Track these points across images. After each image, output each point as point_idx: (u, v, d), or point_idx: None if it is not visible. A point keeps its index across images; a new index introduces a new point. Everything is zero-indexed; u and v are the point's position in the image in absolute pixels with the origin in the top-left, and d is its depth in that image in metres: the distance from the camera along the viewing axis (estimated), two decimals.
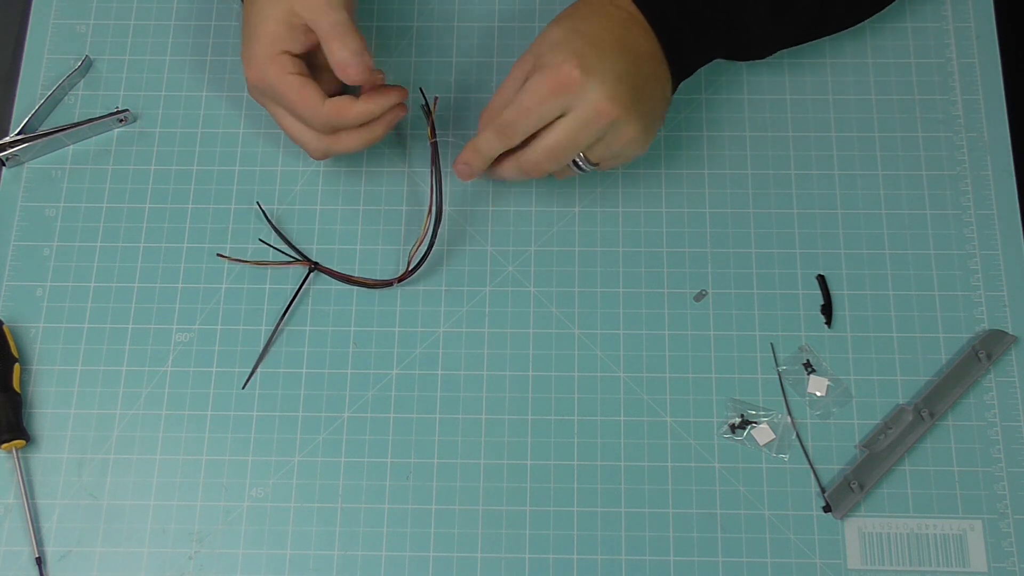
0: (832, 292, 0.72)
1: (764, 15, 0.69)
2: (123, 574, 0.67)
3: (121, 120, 0.77)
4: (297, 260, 0.73)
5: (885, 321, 0.72)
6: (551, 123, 0.65)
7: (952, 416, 0.70)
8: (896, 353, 0.71)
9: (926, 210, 0.74)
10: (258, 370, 0.71)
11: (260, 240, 0.74)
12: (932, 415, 0.69)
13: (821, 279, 0.73)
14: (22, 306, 0.73)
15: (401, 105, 0.69)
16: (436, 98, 0.72)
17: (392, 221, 0.75)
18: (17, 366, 0.70)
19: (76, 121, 0.76)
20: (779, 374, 0.71)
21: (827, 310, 0.72)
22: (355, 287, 0.73)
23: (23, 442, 0.69)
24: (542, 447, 0.69)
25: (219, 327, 0.72)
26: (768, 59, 0.75)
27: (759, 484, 0.69)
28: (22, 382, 0.70)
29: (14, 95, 0.78)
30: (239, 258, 0.73)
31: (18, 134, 0.75)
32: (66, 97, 0.78)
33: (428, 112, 0.72)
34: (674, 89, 0.69)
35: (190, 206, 0.75)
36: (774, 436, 0.69)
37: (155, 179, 0.76)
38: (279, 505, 0.69)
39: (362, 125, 0.68)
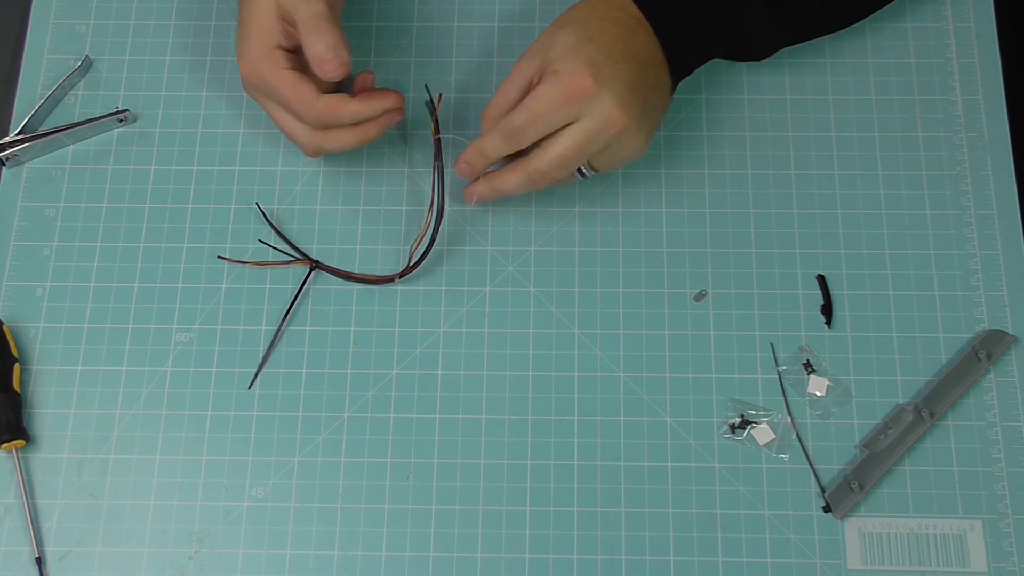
0: (832, 292, 0.72)
1: (762, 12, 0.69)
2: (123, 574, 0.67)
3: (121, 120, 0.77)
4: (298, 259, 0.73)
5: (885, 321, 0.72)
6: (559, 131, 0.65)
7: (952, 416, 0.70)
8: (896, 353, 0.71)
9: (926, 210, 0.74)
10: (258, 374, 0.71)
11: (260, 241, 0.74)
12: (932, 415, 0.69)
13: (821, 279, 0.73)
14: (22, 306, 0.73)
15: (399, 110, 0.69)
16: (440, 95, 0.73)
17: (392, 221, 0.75)
18: (17, 366, 0.70)
19: (76, 121, 0.76)
20: (779, 374, 0.71)
21: (827, 310, 0.72)
22: (355, 287, 0.73)
23: (23, 442, 0.69)
24: (542, 447, 0.69)
25: (219, 327, 0.72)
26: (767, 59, 0.75)
27: (759, 484, 0.69)
28: (22, 382, 0.70)
29: (14, 95, 0.78)
30: (239, 259, 0.73)
31: (18, 134, 0.75)
32: (66, 97, 0.78)
33: (432, 109, 0.72)
34: (673, 90, 0.69)
35: (190, 206, 0.75)
36: (774, 436, 0.69)
37: (155, 179, 0.76)
38: (279, 505, 0.69)
39: (356, 125, 0.68)
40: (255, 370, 0.71)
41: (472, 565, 0.67)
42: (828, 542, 0.67)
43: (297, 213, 0.75)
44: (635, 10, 0.67)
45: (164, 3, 0.80)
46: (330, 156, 0.75)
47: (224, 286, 0.73)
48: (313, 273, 0.73)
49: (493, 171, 0.69)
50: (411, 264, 0.71)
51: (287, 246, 0.74)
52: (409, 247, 0.73)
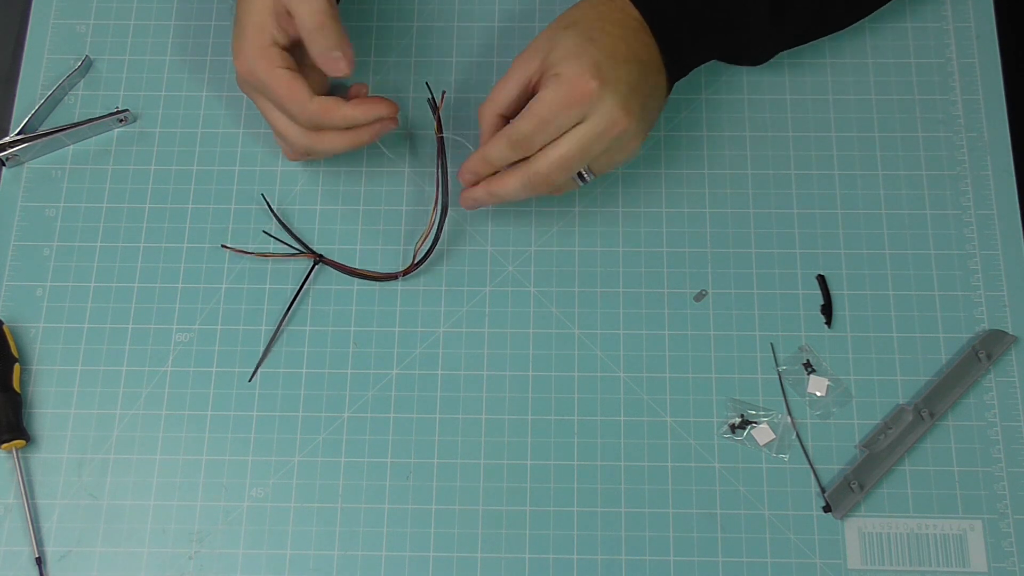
0: (832, 292, 0.72)
1: (764, 17, 0.69)
2: (123, 574, 0.67)
3: (121, 120, 0.77)
4: (302, 252, 0.73)
5: (885, 321, 0.72)
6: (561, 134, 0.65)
7: (952, 416, 0.70)
8: (896, 353, 0.71)
9: (926, 210, 0.74)
10: (259, 370, 0.71)
11: (264, 232, 0.74)
12: (932, 415, 0.69)
13: (821, 279, 0.73)
14: (22, 306, 0.73)
15: (392, 119, 0.68)
16: (444, 92, 0.73)
17: (393, 221, 0.75)
18: (17, 366, 0.70)
19: (76, 121, 0.76)
20: (779, 374, 0.71)
21: (827, 310, 0.72)
22: (355, 287, 0.73)
23: (23, 442, 0.69)
24: (542, 447, 0.69)
25: (219, 327, 0.72)
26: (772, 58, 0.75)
27: (759, 484, 0.69)
28: (22, 382, 0.70)
29: (14, 95, 0.78)
30: (243, 250, 0.73)
31: (18, 134, 0.75)
32: (66, 97, 0.78)
33: (435, 107, 0.72)
34: (669, 91, 0.69)
35: (190, 206, 0.75)
36: (774, 436, 0.69)
37: (155, 179, 0.76)
38: (279, 505, 0.69)
39: (348, 129, 0.68)
40: (256, 369, 0.71)
41: (472, 565, 0.67)
42: (828, 542, 0.67)
43: (297, 213, 0.75)
44: (635, 12, 0.67)
45: (164, 3, 0.80)
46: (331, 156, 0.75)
47: (224, 286, 0.73)
48: (315, 272, 0.73)
49: (491, 175, 0.69)
50: (415, 261, 0.71)
51: (291, 239, 0.73)
52: (412, 246, 0.73)
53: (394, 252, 0.74)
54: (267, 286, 0.73)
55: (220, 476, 0.69)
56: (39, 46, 0.79)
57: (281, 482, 0.69)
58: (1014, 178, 0.75)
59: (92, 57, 0.79)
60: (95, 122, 0.76)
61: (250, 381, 0.71)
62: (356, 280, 0.73)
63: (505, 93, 0.66)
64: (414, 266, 0.72)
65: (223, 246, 0.73)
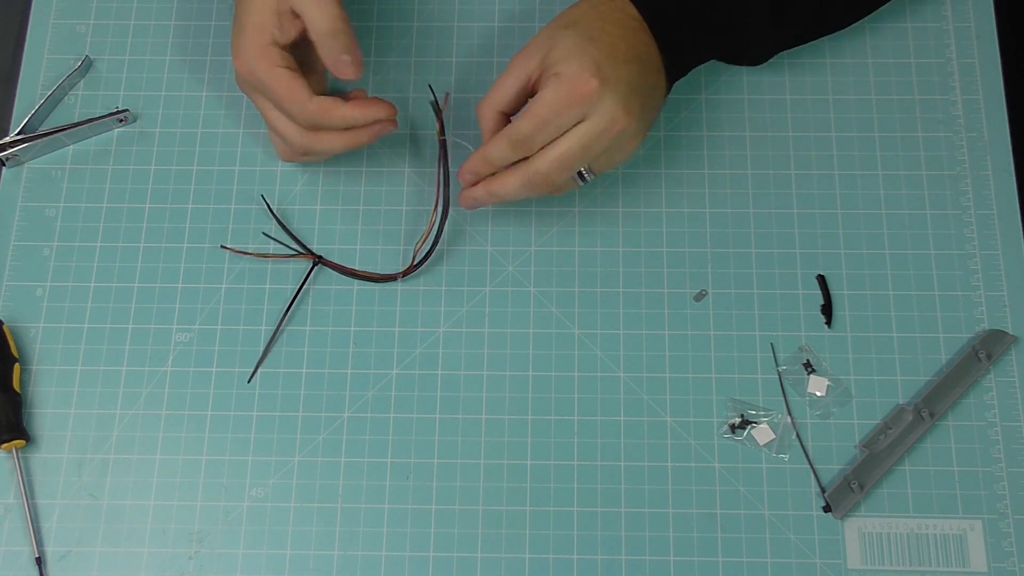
0: (832, 292, 0.72)
1: (764, 18, 0.69)
2: (123, 574, 0.67)
3: (121, 120, 0.77)
4: (301, 253, 0.73)
5: (885, 321, 0.72)
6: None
7: (952, 416, 0.70)
8: (896, 353, 0.71)
9: (926, 210, 0.74)
10: (259, 370, 0.71)
11: (264, 234, 0.74)
12: (932, 415, 0.69)
13: (821, 279, 0.73)
14: (22, 306, 0.73)
15: (391, 121, 0.68)
16: (448, 95, 0.73)
17: (392, 221, 0.75)
18: (17, 366, 0.70)
19: (76, 121, 0.76)
20: (779, 374, 0.71)
21: (827, 310, 0.72)
22: (355, 287, 0.73)
23: (23, 442, 0.69)
24: (542, 447, 0.69)
25: (219, 327, 0.72)
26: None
27: (759, 484, 0.69)
28: (22, 382, 0.70)
29: (14, 95, 0.78)
30: (243, 250, 0.73)
31: (18, 134, 0.75)
32: (66, 97, 0.78)
33: (437, 110, 0.72)
34: (668, 91, 0.69)
35: (190, 206, 0.75)
36: (774, 436, 0.69)
37: (155, 179, 0.76)
38: (279, 505, 0.69)
39: (346, 130, 0.68)
40: (256, 370, 0.71)
41: (472, 565, 0.67)
42: (828, 542, 0.67)
43: (297, 213, 0.75)
44: (635, 12, 0.67)
45: (164, 3, 0.80)
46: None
47: (224, 286, 0.73)
48: (315, 272, 0.73)
49: (491, 176, 0.68)
50: (415, 263, 0.71)
51: (291, 240, 0.73)
52: (412, 247, 0.73)
53: (394, 252, 0.74)
54: (267, 286, 0.73)
55: (220, 476, 0.69)
56: (39, 46, 0.79)
57: (281, 482, 0.69)
58: (1014, 178, 0.75)
59: (92, 57, 0.79)
60: (95, 122, 0.76)
61: (249, 382, 0.71)
62: (356, 280, 0.73)
63: (504, 91, 0.66)
64: (413, 267, 0.72)
65: (222, 247, 0.73)
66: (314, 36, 0.66)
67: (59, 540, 0.68)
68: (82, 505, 0.69)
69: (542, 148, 0.65)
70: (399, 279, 0.72)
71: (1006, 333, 0.71)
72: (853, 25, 0.76)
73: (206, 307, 0.73)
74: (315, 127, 0.67)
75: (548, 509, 0.68)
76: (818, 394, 0.70)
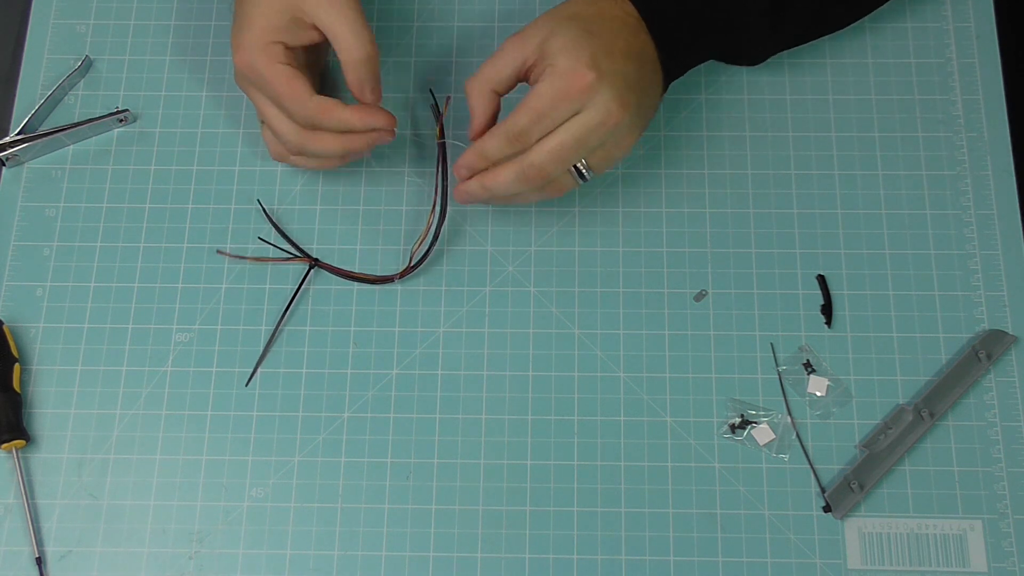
0: (832, 292, 0.72)
1: (762, 16, 0.69)
2: (123, 574, 0.67)
3: (121, 120, 0.77)
4: (297, 257, 0.73)
5: (885, 321, 0.72)
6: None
7: (952, 416, 0.70)
8: (896, 353, 0.71)
9: (926, 210, 0.74)
10: (258, 370, 0.71)
11: (260, 239, 0.74)
12: (932, 415, 0.69)
13: (821, 279, 0.73)
14: (22, 306, 0.73)
15: (390, 131, 0.68)
16: (448, 98, 0.73)
17: (392, 221, 0.75)
18: (17, 366, 0.70)
19: (76, 121, 0.76)
20: (779, 374, 0.71)
21: (827, 310, 0.72)
22: (355, 287, 0.73)
23: (23, 442, 0.69)
24: (542, 447, 0.69)
25: (219, 327, 0.72)
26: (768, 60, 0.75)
27: (759, 484, 0.69)
28: (22, 382, 0.70)
29: (14, 95, 0.78)
30: (239, 255, 0.73)
31: (18, 134, 0.75)
32: (66, 97, 0.78)
33: (437, 113, 0.72)
34: (664, 90, 0.69)
35: (190, 206, 0.75)
36: (774, 436, 0.69)
37: (155, 179, 0.76)
38: (279, 505, 0.69)
39: (342, 133, 0.68)
40: (253, 373, 0.71)
41: (472, 565, 0.67)
42: (828, 542, 0.67)
43: (297, 213, 0.75)
44: (633, 10, 0.67)
45: (164, 3, 0.80)
46: None
47: (224, 286, 0.73)
48: (313, 272, 0.73)
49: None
50: (411, 264, 0.71)
51: (287, 244, 0.74)
52: (410, 247, 0.73)
53: (394, 253, 0.74)
54: (267, 286, 0.73)
55: (220, 476, 0.69)
56: (39, 46, 0.79)
57: (281, 482, 0.69)
58: (1014, 178, 0.75)
59: (92, 57, 0.79)
60: (95, 122, 0.76)
61: (247, 385, 0.71)
62: (356, 281, 0.73)
63: (498, 70, 0.65)
64: (410, 268, 0.72)
65: (219, 252, 0.73)
66: (344, 60, 0.66)
67: (59, 540, 0.68)
68: (82, 505, 0.69)
69: (537, 141, 0.64)
70: (396, 280, 0.72)
71: (1006, 333, 0.71)
72: (853, 25, 0.76)
73: (206, 307, 0.73)
74: (312, 126, 0.67)
75: (548, 509, 0.68)
76: (818, 394, 0.70)
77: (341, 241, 0.74)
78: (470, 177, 0.67)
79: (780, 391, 0.70)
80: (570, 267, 0.73)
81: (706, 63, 0.73)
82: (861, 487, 0.68)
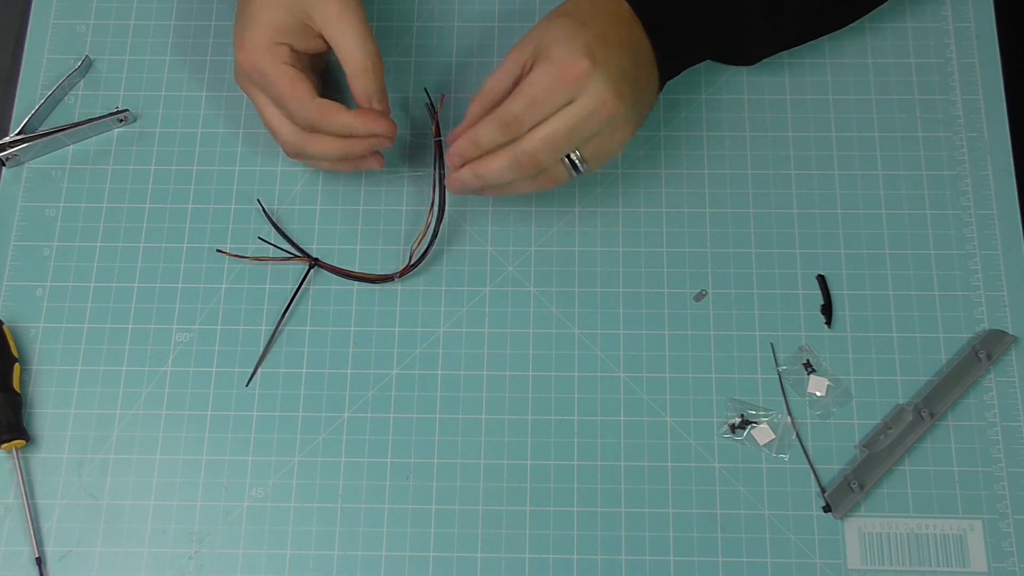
0: (832, 292, 0.72)
1: (758, 15, 0.69)
2: (123, 574, 0.67)
3: (121, 120, 0.77)
4: (297, 256, 0.73)
5: (885, 321, 0.72)
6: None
7: (952, 416, 0.70)
8: (896, 353, 0.71)
9: (926, 210, 0.74)
10: (258, 370, 0.71)
11: (260, 238, 0.74)
12: (932, 415, 0.69)
13: (821, 279, 0.73)
14: (22, 306, 0.73)
15: (389, 139, 0.68)
16: (443, 96, 0.73)
17: (392, 221, 0.75)
18: (17, 366, 0.70)
19: (76, 121, 0.76)
20: (779, 374, 0.71)
21: (827, 310, 0.72)
22: (355, 287, 0.73)
23: (23, 442, 0.69)
24: (542, 447, 0.69)
25: (219, 327, 0.72)
26: (767, 60, 0.75)
27: (759, 484, 0.69)
28: (22, 382, 0.70)
29: (14, 95, 0.78)
30: (239, 254, 0.73)
31: (18, 134, 0.75)
32: (66, 97, 0.78)
33: (433, 110, 0.72)
34: (660, 89, 0.69)
35: (190, 206, 0.75)
36: (774, 436, 0.69)
37: (155, 179, 0.76)
38: (279, 505, 0.69)
39: (342, 137, 0.67)
40: (253, 373, 0.71)
41: (472, 565, 0.67)
42: (828, 542, 0.67)
43: (297, 213, 0.75)
44: (629, 8, 0.67)
45: (164, 3, 0.80)
46: None
47: (224, 286, 0.73)
48: (313, 272, 0.73)
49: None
50: (411, 263, 0.71)
51: (287, 244, 0.74)
52: (410, 247, 0.73)
53: (394, 252, 0.74)
54: (267, 286, 0.73)
55: (220, 476, 0.69)
56: (39, 46, 0.79)
57: (281, 482, 0.69)
58: (1014, 178, 0.75)
59: (92, 57, 0.79)
60: (95, 122, 0.76)
61: (247, 386, 0.71)
62: (355, 280, 0.73)
63: (498, 80, 0.65)
64: (409, 267, 0.72)
65: (218, 250, 0.73)
66: (350, 71, 0.67)
67: (59, 540, 0.68)
68: (82, 505, 0.69)
69: (531, 129, 0.64)
70: (395, 279, 0.72)
71: (1006, 333, 0.71)
72: (852, 25, 0.76)
73: (206, 307, 0.73)
74: (312, 129, 0.67)
75: (548, 509, 0.68)
76: (818, 394, 0.70)
77: (341, 241, 0.74)
78: (463, 166, 0.67)
79: (780, 391, 0.70)
80: (570, 267, 0.73)
81: (704, 62, 0.73)
82: (861, 487, 0.68)
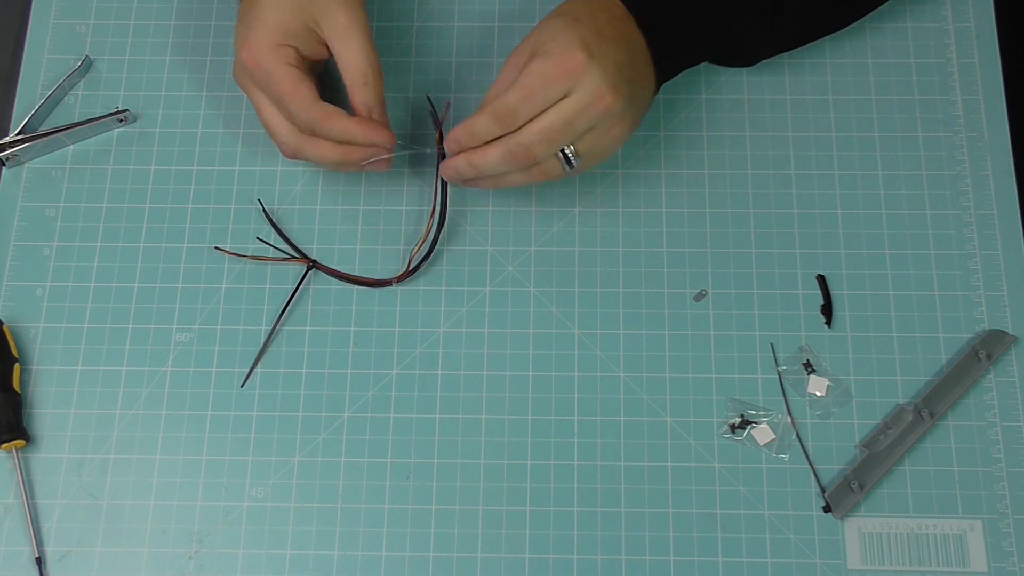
0: (832, 292, 0.72)
1: (754, 17, 0.69)
2: (123, 574, 0.67)
3: (121, 120, 0.77)
4: (295, 257, 0.73)
5: (885, 321, 0.72)
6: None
7: (952, 416, 0.70)
8: (896, 353, 0.71)
9: (926, 210, 0.74)
10: (258, 370, 0.71)
11: (258, 239, 0.74)
12: (932, 415, 0.69)
13: (821, 279, 0.73)
14: (22, 306, 0.73)
15: (387, 151, 0.68)
16: (448, 104, 0.73)
17: (392, 221, 0.75)
18: (17, 366, 0.70)
19: (76, 121, 0.76)
20: (779, 374, 0.71)
21: (827, 310, 0.72)
22: (355, 287, 0.73)
23: (23, 442, 0.69)
24: (542, 447, 0.69)
25: (219, 327, 0.72)
26: (767, 60, 0.75)
27: (759, 484, 0.69)
28: (22, 382, 0.70)
29: (14, 95, 0.78)
30: (237, 253, 0.73)
31: (18, 134, 0.75)
32: (66, 97, 0.78)
33: (436, 121, 0.72)
34: (656, 90, 0.69)
35: (190, 206, 0.75)
36: (774, 436, 0.69)
37: (155, 179, 0.76)
38: (279, 505, 0.69)
39: (340, 144, 0.68)
40: (249, 374, 0.71)
41: (472, 565, 0.67)
42: (828, 542, 0.67)
43: (297, 213, 0.75)
44: (623, 7, 0.67)
45: (164, 3, 0.80)
46: None
47: (224, 286, 0.73)
48: (312, 273, 0.73)
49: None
50: (410, 268, 0.71)
51: (286, 245, 0.73)
52: (410, 248, 0.73)
53: (394, 253, 0.74)
54: (267, 286, 0.73)
55: (220, 476, 0.69)
56: (39, 46, 0.79)
57: (281, 482, 0.69)
58: (1014, 178, 0.75)
59: (92, 57, 0.79)
60: (95, 122, 0.76)
61: (243, 386, 0.71)
62: (353, 283, 0.73)
63: (498, 87, 0.65)
64: (408, 273, 0.72)
65: (216, 248, 0.73)
66: (350, 83, 0.67)
67: (59, 540, 0.68)
68: (82, 505, 0.69)
69: (527, 122, 0.64)
70: (394, 284, 0.72)
71: (1006, 333, 0.71)
72: (852, 25, 0.76)
73: (206, 307, 0.73)
74: (312, 132, 0.67)
75: (548, 509, 0.68)
76: (818, 394, 0.70)
77: (341, 241, 0.74)
78: (458, 154, 0.67)
79: (780, 391, 0.70)
80: (570, 267, 0.73)
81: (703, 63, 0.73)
82: (861, 487, 0.68)
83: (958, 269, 0.73)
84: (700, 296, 0.72)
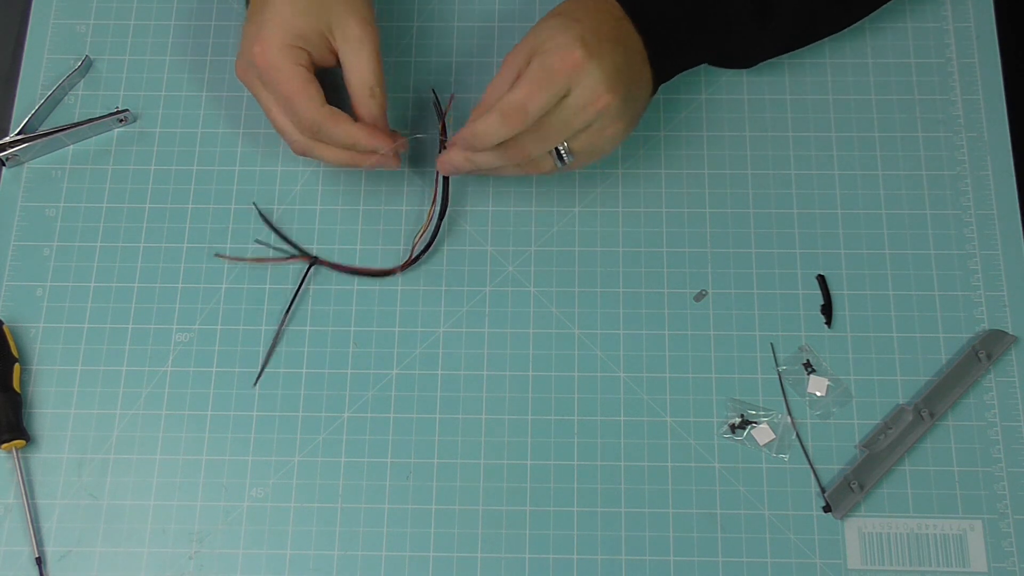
0: (832, 292, 0.72)
1: (751, 16, 0.69)
2: (123, 574, 0.67)
3: (121, 120, 0.77)
4: (297, 256, 0.73)
5: (885, 321, 0.72)
6: None
7: (952, 416, 0.70)
8: (896, 353, 0.71)
9: (926, 210, 0.74)
10: (258, 370, 0.71)
11: (257, 241, 0.74)
12: (932, 415, 0.69)
13: (821, 279, 0.73)
14: (22, 306, 0.73)
15: (395, 157, 0.68)
16: (452, 96, 0.73)
17: (392, 221, 0.75)
18: (17, 366, 0.70)
19: (76, 121, 0.76)
20: (779, 374, 0.71)
21: (827, 310, 0.72)
22: (355, 287, 0.73)
23: (23, 442, 0.69)
24: (542, 447, 0.69)
25: (219, 327, 0.72)
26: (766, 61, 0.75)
27: (759, 484, 0.69)
28: (22, 382, 0.70)
29: (14, 95, 0.78)
30: (238, 256, 0.73)
31: (18, 134, 0.75)
32: (66, 97, 0.78)
33: (440, 111, 0.72)
34: (653, 92, 0.69)
35: (190, 206, 0.75)
36: (774, 436, 0.69)
37: (155, 179, 0.76)
38: (279, 505, 0.69)
39: (346, 148, 0.68)
40: (254, 370, 0.71)
41: (472, 565, 0.67)
42: (828, 542, 0.67)
43: (297, 213, 0.75)
44: (620, 7, 0.67)
45: (164, 3, 0.80)
46: None
47: (224, 286, 0.73)
48: (313, 272, 0.73)
49: None
50: (413, 257, 0.72)
51: (286, 245, 0.73)
52: (410, 247, 0.73)
53: (394, 252, 0.74)
54: (267, 286, 0.73)
55: (220, 476, 0.69)
56: (39, 46, 0.79)
57: (281, 482, 0.69)
58: (1014, 178, 0.75)
59: (92, 57, 0.79)
60: (95, 122, 0.76)
61: (255, 385, 0.71)
62: (356, 280, 0.73)
63: (496, 88, 0.65)
64: (411, 261, 0.72)
65: (216, 255, 0.73)
66: (354, 92, 0.67)
67: (59, 540, 0.68)
68: (82, 505, 0.69)
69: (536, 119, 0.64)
70: (397, 273, 0.72)
71: (1006, 333, 0.71)
72: (851, 26, 0.76)
73: (206, 307, 0.73)
74: (316, 134, 0.67)
75: (548, 509, 0.68)
76: (818, 394, 0.70)
77: (341, 241, 0.74)
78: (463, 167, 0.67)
79: (780, 391, 0.70)
80: (570, 267, 0.73)
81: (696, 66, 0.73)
82: (861, 487, 0.68)
83: (958, 269, 0.73)
84: (700, 296, 0.72)
